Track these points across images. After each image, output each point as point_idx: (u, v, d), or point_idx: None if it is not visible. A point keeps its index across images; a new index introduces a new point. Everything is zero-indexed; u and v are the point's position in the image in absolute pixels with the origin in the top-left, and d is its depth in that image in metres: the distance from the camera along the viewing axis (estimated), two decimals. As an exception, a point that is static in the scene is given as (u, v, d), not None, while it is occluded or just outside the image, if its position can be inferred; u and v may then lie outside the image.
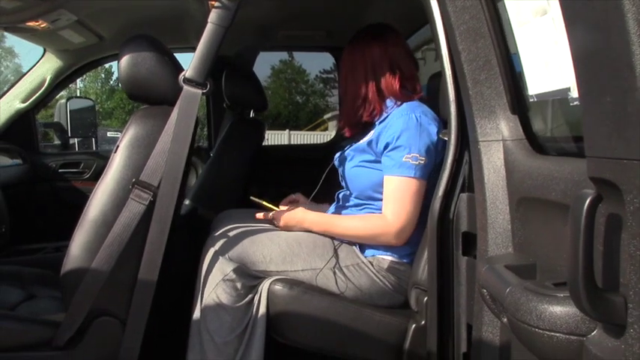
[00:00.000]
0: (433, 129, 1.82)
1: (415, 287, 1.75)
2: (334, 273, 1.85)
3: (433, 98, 2.00)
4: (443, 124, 1.84)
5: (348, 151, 2.01)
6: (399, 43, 2.00)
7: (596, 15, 0.76)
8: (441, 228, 1.53)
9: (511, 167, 1.28)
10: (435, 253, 1.55)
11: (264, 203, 2.06)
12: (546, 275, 1.11)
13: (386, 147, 1.83)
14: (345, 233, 1.89)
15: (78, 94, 18.43)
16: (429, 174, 1.81)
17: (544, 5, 1.10)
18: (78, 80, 20.49)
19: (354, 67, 1.98)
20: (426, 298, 1.67)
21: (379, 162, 1.88)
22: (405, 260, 1.87)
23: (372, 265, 1.87)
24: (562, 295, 0.92)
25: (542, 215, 1.14)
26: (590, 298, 0.79)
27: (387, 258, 1.87)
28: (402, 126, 1.82)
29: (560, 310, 0.91)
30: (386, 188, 1.83)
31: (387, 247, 1.87)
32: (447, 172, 1.53)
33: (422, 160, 1.79)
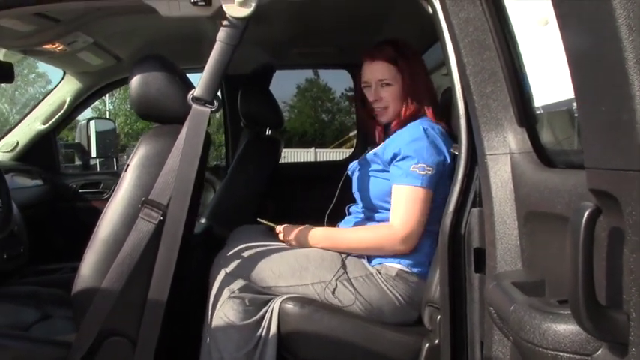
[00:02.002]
0: (440, 142, 1.86)
1: (428, 305, 1.72)
2: (343, 285, 1.84)
3: (445, 113, 1.98)
4: (453, 139, 1.86)
5: (360, 161, 2.04)
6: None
7: (587, 22, 0.74)
8: (453, 244, 1.50)
9: (518, 181, 1.25)
10: (446, 270, 1.52)
11: (271, 224, 2.08)
12: (555, 292, 1.07)
13: (394, 157, 1.86)
14: (351, 246, 1.90)
15: (107, 116, 18.69)
16: (436, 185, 1.83)
17: (546, 15, 1.08)
18: (107, 102, 20.88)
19: (415, 74, 2.00)
20: (439, 317, 1.63)
21: (387, 172, 1.90)
22: (414, 270, 1.86)
23: (380, 273, 1.86)
24: (566, 313, 0.88)
25: (550, 230, 1.10)
26: (591, 315, 0.76)
27: (394, 266, 1.86)
28: (410, 137, 1.86)
29: (564, 328, 0.87)
30: (394, 197, 1.86)
31: (394, 255, 1.86)
32: (457, 187, 1.51)
33: (429, 170, 1.81)
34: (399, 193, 1.84)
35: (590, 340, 0.84)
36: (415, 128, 1.88)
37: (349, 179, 2.11)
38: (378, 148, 1.97)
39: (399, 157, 1.85)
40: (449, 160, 1.84)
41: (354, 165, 2.09)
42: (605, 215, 0.78)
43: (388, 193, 1.88)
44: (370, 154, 1.98)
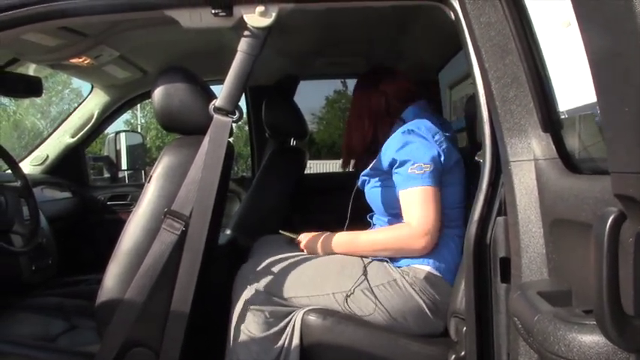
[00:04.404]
0: (428, 135, 1.86)
1: (454, 316, 1.68)
2: (364, 294, 1.82)
3: (471, 120, 1.95)
4: (475, 146, 1.88)
5: (363, 176, 2.05)
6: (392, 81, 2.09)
7: (607, 19, 0.71)
8: (478, 254, 1.47)
9: (543, 188, 1.21)
10: (472, 281, 1.48)
11: (291, 235, 2.11)
12: (583, 302, 1.04)
13: (392, 165, 1.87)
14: (370, 247, 1.90)
15: (139, 129, 18.94)
16: (439, 179, 1.85)
17: (568, 16, 1.05)
18: (139, 115, 21.16)
19: (360, 112, 2.10)
20: (465, 328, 1.60)
21: (389, 179, 1.91)
22: (442, 275, 1.84)
23: (405, 278, 1.83)
24: (592, 323, 0.85)
25: (576, 238, 1.07)
26: (617, 325, 0.73)
27: (423, 268, 1.84)
28: (397, 145, 1.86)
29: (590, 339, 0.84)
30: (402, 203, 1.86)
31: (422, 256, 1.85)
32: (482, 195, 1.47)
33: (426, 167, 1.82)
34: (406, 197, 1.85)
35: (617, 351, 0.81)
36: (399, 135, 1.89)
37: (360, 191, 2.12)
38: (373, 163, 1.98)
39: (396, 165, 1.86)
40: (442, 156, 1.84)
41: (360, 180, 2.10)
42: (630, 221, 0.75)
43: (395, 200, 1.89)
44: (367, 170, 2.00)
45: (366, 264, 1.86)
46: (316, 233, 2.03)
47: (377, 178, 1.97)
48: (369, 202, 2.04)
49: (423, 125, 1.89)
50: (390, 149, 1.88)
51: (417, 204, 1.82)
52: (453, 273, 1.82)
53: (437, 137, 1.87)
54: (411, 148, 1.83)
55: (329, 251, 1.96)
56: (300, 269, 1.87)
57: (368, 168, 2.01)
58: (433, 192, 1.82)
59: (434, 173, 1.82)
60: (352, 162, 2.21)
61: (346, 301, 1.81)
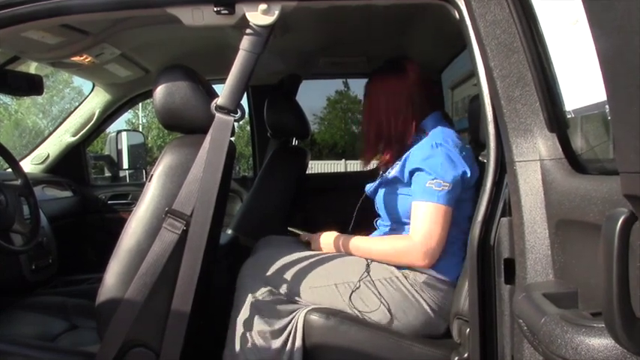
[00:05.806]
0: (456, 154, 1.83)
1: (457, 318, 1.67)
2: (367, 287, 1.82)
3: (475, 120, 1.94)
4: (477, 146, 1.88)
5: (379, 182, 2.03)
6: (418, 75, 2.02)
7: (619, 18, 0.70)
8: (482, 255, 1.46)
9: (549, 188, 1.20)
10: (475, 282, 1.47)
11: (298, 232, 2.13)
12: (589, 304, 1.03)
13: (412, 173, 1.85)
14: (370, 253, 1.89)
15: (141, 128, 18.92)
16: (455, 199, 1.81)
17: (575, 14, 1.03)
18: (140, 115, 21.15)
19: (378, 106, 2.03)
20: (468, 330, 1.59)
21: (407, 187, 1.90)
22: (443, 277, 1.83)
23: (406, 278, 1.83)
24: (600, 326, 0.84)
25: (583, 238, 1.06)
26: (627, 328, 0.72)
27: (424, 272, 1.83)
28: (423, 155, 1.83)
29: (598, 342, 0.83)
30: (412, 213, 1.84)
31: None
32: (486, 195, 1.46)
33: (446, 185, 1.78)
34: (417, 209, 1.82)
35: (627, 354, 0.79)
36: (428, 144, 1.86)
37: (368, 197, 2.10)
38: (396, 169, 1.94)
39: (416, 173, 1.84)
40: (468, 173, 1.81)
41: (372, 186, 2.07)
42: (640, 222, 0.74)
43: (409, 209, 1.87)
44: (389, 177, 1.96)
45: (369, 262, 1.87)
46: (322, 233, 2.05)
47: (396, 187, 1.94)
48: (379, 207, 2.03)
49: (450, 139, 1.87)
50: (414, 157, 1.85)
51: (425, 220, 1.79)
52: (455, 273, 1.82)
53: (464, 153, 1.85)
54: (436, 163, 1.80)
55: (334, 251, 1.99)
56: (303, 264, 1.88)
57: (388, 174, 1.98)
58: (445, 211, 1.78)
59: (451, 194, 1.79)
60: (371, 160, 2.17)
61: (351, 295, 1.81)
